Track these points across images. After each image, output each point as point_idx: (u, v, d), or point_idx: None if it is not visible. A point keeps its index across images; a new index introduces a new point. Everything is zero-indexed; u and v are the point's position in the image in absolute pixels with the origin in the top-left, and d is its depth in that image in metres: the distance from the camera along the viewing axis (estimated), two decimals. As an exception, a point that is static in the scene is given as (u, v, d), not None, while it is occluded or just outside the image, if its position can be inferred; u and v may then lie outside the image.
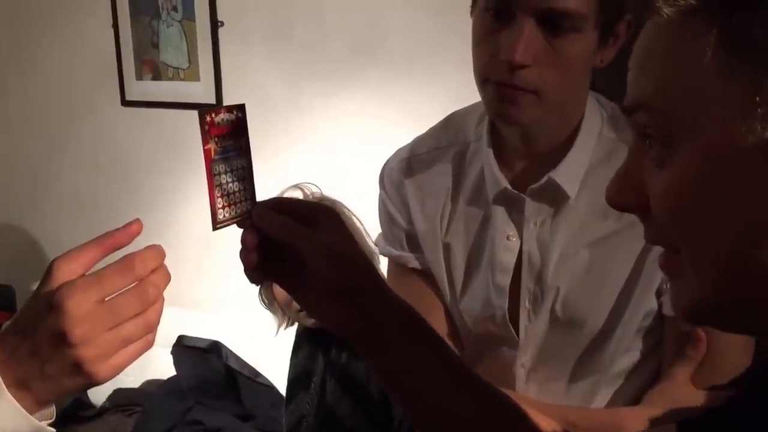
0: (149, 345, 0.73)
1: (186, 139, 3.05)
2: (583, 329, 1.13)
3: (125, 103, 3.16)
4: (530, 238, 1.13)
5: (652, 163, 0.56)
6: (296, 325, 1.86)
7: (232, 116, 0.72)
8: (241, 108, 0.72)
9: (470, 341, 1.23)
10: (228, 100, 2.92)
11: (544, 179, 1.10)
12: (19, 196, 3.55)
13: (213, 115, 0.70)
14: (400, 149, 1.28)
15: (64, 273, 0.70)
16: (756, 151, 0.50)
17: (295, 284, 0.78)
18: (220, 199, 0.71)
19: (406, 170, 1.24)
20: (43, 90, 3.38)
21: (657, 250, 1.06)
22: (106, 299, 0.69)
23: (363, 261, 0.78)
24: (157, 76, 3.05)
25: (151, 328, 0.72)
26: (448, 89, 2.48)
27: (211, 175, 0.70)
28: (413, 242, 1.25)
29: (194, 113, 2.78)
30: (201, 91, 2.94)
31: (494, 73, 1.01)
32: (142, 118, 3.15)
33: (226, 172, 0.71)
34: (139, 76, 3.09)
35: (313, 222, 0.76)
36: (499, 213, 1.15)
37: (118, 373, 0.71)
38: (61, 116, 3.36)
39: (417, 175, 1.23)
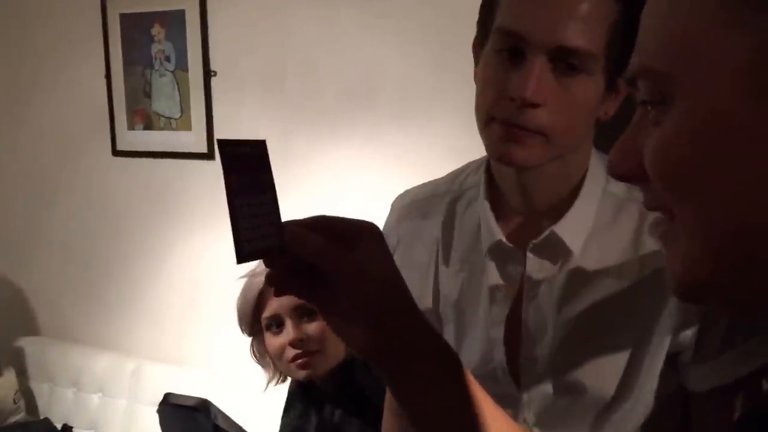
0: None
1: (176, 190, 3.03)
2: (587, 394, 1.07)
3: (116, 153, 3.14)
4: (530, 295, 1.09)
5: (650, 125, 0.53)
6: (287, 381, 1.81)
7: (255, 150, 0.71)
8: (262, 144, 0.72)
9: None
10: (220, 150, 2.90)
11: (546, 233, 1.06)
12: (7, 246, 3.50)
13: (234, 147, 0.68)
14: (406, 191, 1.26)
15: None
16: (757, 108, 0.47)
17: (323, 301, 0.75)
18: (245, 232, 0.67)
19: (402, 216, 1.22)
20: (35, 139, 3.36)
21: (668, 313, 1.01)
22: None
23: (395, 282, 0.74)
24: (148, 126, 3.03)
25: None
26: (441, 138, 2.46)
27: (233, 207, 0.67)
28: None
29: (185, 162, 2.75)
30: (192, 141, 2.92)
31: (501, 112, 0.98)
32: (132, 168, 3.13)
33: (249, 205, 0.69)
34: (131, 126, 3.07)
35: (354, 240, 0.72)
36: (493, 266, 1.11)
37: None
38: (52, 166, 3.34)
39: (410, 222, 1.21)
